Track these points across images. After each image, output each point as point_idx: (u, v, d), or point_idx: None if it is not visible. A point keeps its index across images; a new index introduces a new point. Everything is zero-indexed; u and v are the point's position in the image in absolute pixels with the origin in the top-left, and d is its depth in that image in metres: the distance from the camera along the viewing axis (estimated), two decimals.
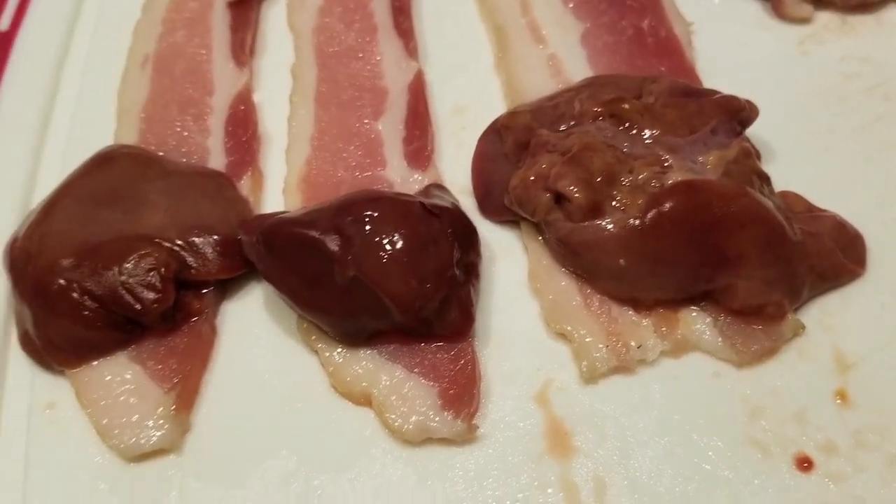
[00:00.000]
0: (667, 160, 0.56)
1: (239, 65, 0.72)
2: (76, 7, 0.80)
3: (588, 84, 0.63)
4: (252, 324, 0.58)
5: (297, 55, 0.72)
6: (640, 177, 0.55)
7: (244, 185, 0.64)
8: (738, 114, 0.59)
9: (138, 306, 0.54)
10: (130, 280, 0.54)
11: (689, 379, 0.54)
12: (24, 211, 0.65)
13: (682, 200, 0.53)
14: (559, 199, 0.56)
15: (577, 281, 0.57)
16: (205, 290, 0.58)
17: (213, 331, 0.57)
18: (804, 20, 0.72)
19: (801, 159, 0.63)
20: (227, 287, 0.60)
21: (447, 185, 0.64)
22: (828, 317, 0.56)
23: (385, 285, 0.52)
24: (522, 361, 0.56)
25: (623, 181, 0.56)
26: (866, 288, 0.57)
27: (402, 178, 0.64)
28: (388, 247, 0.52)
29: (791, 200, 0.60)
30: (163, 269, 0.55)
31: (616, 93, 0.61)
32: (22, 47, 0.77)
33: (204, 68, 0.71)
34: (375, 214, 0.53)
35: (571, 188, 0.55)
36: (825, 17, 0.73)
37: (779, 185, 0.60)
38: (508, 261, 0.61)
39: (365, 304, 0.52)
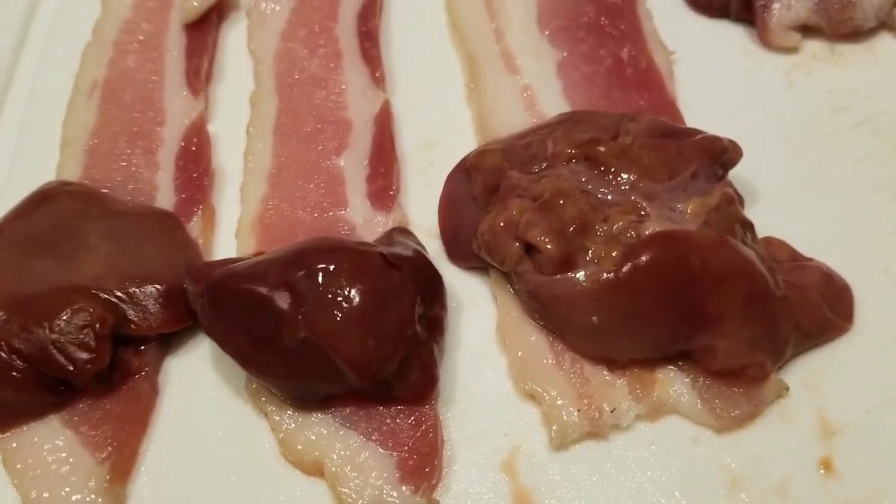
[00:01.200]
0: (644, 208, 0.53)
1: (193, 92, 0.68)
2: (22, 30, 0.76)
3: (562, 121, 0.60)
4: (197, 382, 0.54)
5: (257, 82, 0.68)
6: (616, 226, 0.52)
7: (194, 226, 0.60)
8: (721, 156, 0.56)
9: (70, 367, 0.50)
10: (62, 338, 0.50)
11: (665, 445, 0.51)
12: None
13: (660, 253, 0.50)
14: (529, 249, 0.53)
15: (549, 336, 0.54)
16: (145, 347, 0.54)
17: (154, 390, 0.53)
18: (792, 49, 0.69)
19: (787, 201, 0.60)
20: (170, 340, 0.56)
21: (414, 226, 0.61)
22: (812, 377, 0.53)
23: (339, 347, 0.48)
24: (489, 424, 0.52)
25: (597, 231, 0.52)
26: (854, 344, 0.54)
27: (365, 220, 0.60)
28: (342, 304, 0.48)
29: (775, 248, 0.56)
30: (98, 326, 0.51)
31: (592, 132, 0.57)
32: None
33: (156, 96, 0.67)
34: (330, 268, 0.49)
35: (542, 238, 0.52)
36: (814, 46, 0.70)
37: (763, 229, 0.57)
38: (476, 311, 0.57)
39: (317, 366, 0.49)
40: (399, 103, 0.68)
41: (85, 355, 0.50)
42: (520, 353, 0.53)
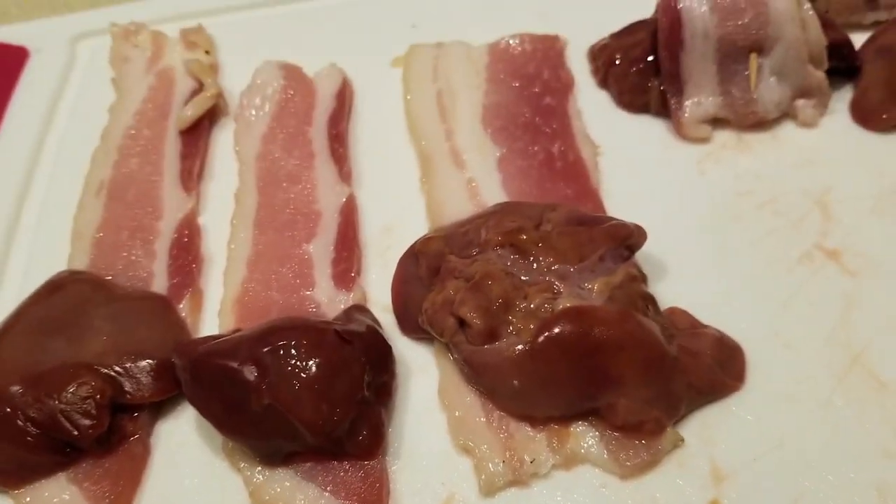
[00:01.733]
0: (557, 287, 0.62)
1: (187, 190, 0.78)
2: (42, 133, 0.87)
3: (496, 211, 0.70)
4: (183, 443, 0.63)
5: (241, 180, 0.79)
6: (533, 303, 0.61)
7: (184, 307, 0.70)
8: (626, 240, 0.65)
9: (75, 432, 0.59)
10: (69, 408, 0.60)
11: (578, 490, 0.59)
12: None
13: (568, 325, 0.59)
14: (462, 323, 0.62)
15: (481, 398, 0.62)
16: (138, 413, 0.63)
17: (146, 450, 0.62)
18: (703, 139, 0.79)
19: (692, 276, 0.69)
20: (160, 406, 0.65)
21: (372, 302, 0.70)
22: (706, 429, 0.61)
23: (297, 411, 0.57)
24: (430, 475, 0.61)
25: (518, 307, 0.61)
26: (745, 400, 0.62)
27: (329, 299, 0.69)
28: (300, 375, 0.58)
29: (677, 317, 0.65)
30: (98, 396, 0.60)
31: (518, 221, 0.67)
32: None
33: (154, 194, 0.78)
34: (291, 343, 0.59)
35: (472, 314, 0.61)
36: (723, 136, 0.79)
37: (671, 301, 0.66)
38: (423, 375, 0.66)
39: (280, 427, 0.58)
40: (363, 194, 0.78)
41: (88, 422, 0.59)
42: (457, 413, 0.62)
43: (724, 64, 0.77)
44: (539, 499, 0.59)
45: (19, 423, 0.60)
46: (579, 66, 0.87)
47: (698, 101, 0.78)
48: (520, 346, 0.59)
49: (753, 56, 0.76)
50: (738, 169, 0.77)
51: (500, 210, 0.70)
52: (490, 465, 0.59)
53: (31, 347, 0.64)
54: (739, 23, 0.75)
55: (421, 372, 0.66)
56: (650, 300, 0.63)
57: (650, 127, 0.81)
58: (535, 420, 0.61)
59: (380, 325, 0.66)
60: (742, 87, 0.77)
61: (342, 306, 0.69)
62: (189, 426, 0.64)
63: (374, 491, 0.59)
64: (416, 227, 0.75)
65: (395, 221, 0.76)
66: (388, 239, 0.75)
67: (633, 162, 0.78)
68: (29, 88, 0.92)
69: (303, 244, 0.73)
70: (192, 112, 0.82)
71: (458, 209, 0.74)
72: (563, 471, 0.60)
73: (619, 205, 0.73)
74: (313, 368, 0.58)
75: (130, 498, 0.60)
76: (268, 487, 0.59)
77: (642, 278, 0.64)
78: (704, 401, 0.62)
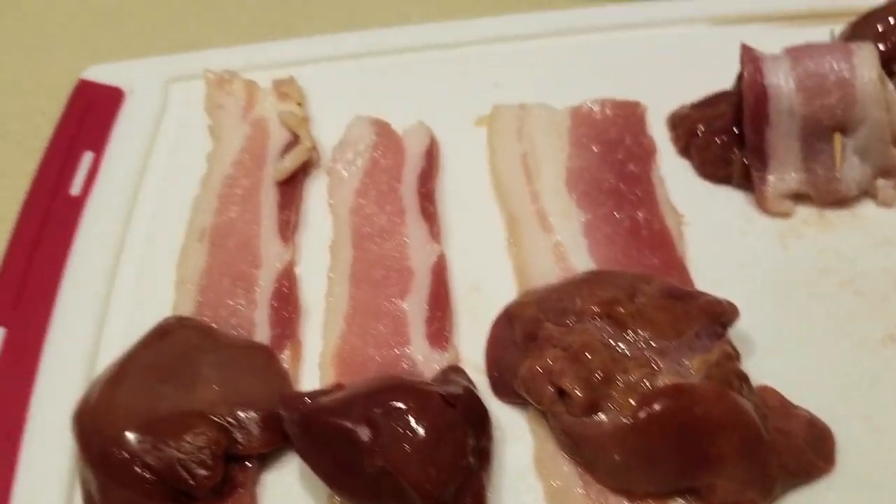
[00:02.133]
0: (656, 363, 0.64)
1: (284, 241, 0.81)
2: (140, 175, 0.90)
3: (588, 279, 0.72)
4: (288, 494, 0.66)
5: (336, 233, 0.81)
6: (633, 377, 0.63)
7: (285, 358, 0.73)
8: (720, 317, 0.67)
9: (192, 482, 0.62)
10: (186, 457, 0.62)
11: None
12: (89, 376, 0.73)
13: (670, 403, 0.61)
14: (562, 393, 0.64)
15: (578, 468, 0.64)
16: (248, 463, 0.66)
17: (253, 501, 0.65)
18: (785, 214, 0.81)
19: (779, 353, 0.71)
20: (266, 457, 0.67)
21: (464, 362, 0.72)
22: None
23: (408, 475, 0.59)
24: None
25: (618, 381, 0.64)
26: (834, 483, 0.63)
27: (424, 357, 0.72)
28: (411, 438, 0.60)
29: (767, 396, 0.67)
30: (214, 447, 0.63)
31: (612, 292, 0.69)
32: (91, 212, 0.87)
33: (253, 243, 0.80)
34: (402, 407, 0.61)
35: (572, 386, 0.63)
36: (805, 212, 0.81)
37: (757, 378, 0.68)
38: (517, 441, 0.67)
39: (390, 489, 0.60)
40: (451, 252, 0.80)
41: (204, 472, 0.62)
42: (554, 483, 0.64)
43: (808, 141, 0.79)
44: None
45: (136, 469, 0.62)
46: (659, 133, 0.89)
47: (782, 177, 0.81)
48: (621, 421, 0.62)
49: (838, 135, 0.79)
50: (820, 245, 0.79)
51: (593, 279, 0.72)
52: None
53: (146, 393, 0.67)
54: (825, 102, 0.78)
55: (514, 436, 0.68)
56: (744, 379, 0.65)
57: (731, 198, 0.83)
58: (633, 494, 0.62)
59: (476, 388, 0.68)
60: (825, 165, 0.80)
61: (436, 366, 0.71)
62: (292, 477, 0.67)
63: None
64: (503, 288, 0.77)
65: (482, 281, 0.79)
66: (477, 298, 0.78)
67: (715, 233, 0.80)
68: (126, 129, 0.95)
69: (397, 300, 0.76)
70: (289, 164, 0.85)
71: (546, 272, 0.76)
72: None
73: (704, 276, 0.75)
74: (422, 432, 0.60)
75: None
76: None
77: (737, 356, 0.66)
78: (796, 483, 0.63)
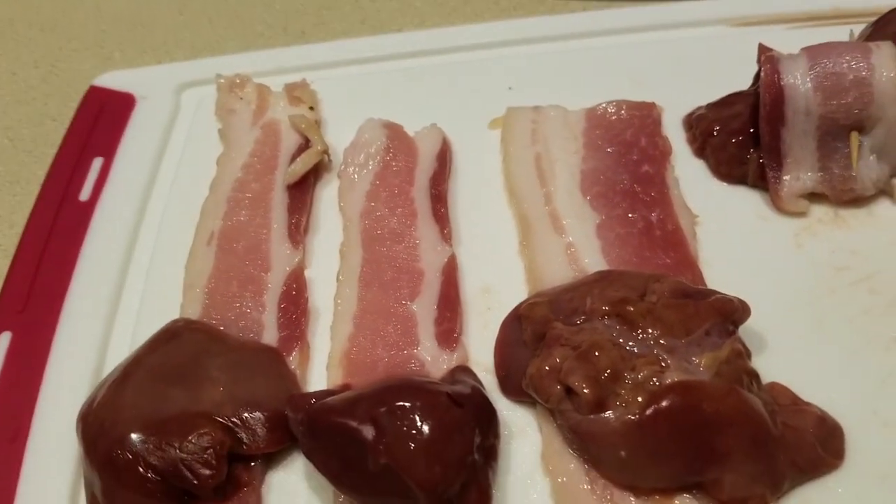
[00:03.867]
0: (665, 360, 0.63)
1: (294, 244, 0.81)
2: (150, 181, 0.91)
3: (599, 279, 0.71)
4: (293, 493, 0.65)
5: (346, 236, 0.81)
6: (641, 375, 0.62)
7: (293, 359, 0.73)
8: (731, 315, 0.66)
9: (195, 481, 0.61)
10: (189, 457, 0.62)
11: None
12: (95, 379, 0.73)
13: (677, 400, 0.60)
14: (570, 391, 0.63)
15: (585, 465, 0.64)
16: (253, 463, 0.65)
17: (258, 500, 0.65)
18: (800, 214, 0.80)
19: (791, 351, 0.70)
20: (272, 457, 0.67)
21: (472, 362, 0.72)
22: None
23: (412, 472, 0.59)
24: None
25: (626, 379, 0.63)
26: (844, 478, 0.62)
27: (433, 358, 0.71)
28: (416, 436, 0.60)
29: (778, 392, 0.66)
30: (218, 447, 0.62)
31: (623, 291, 0.68)
32: (100, 217, 0.87)
33: (263, 247, 0.80)
34: (406, 405, 0.61)
35: (580, 384, 0.62)
36: (819, 211, 0.80)
37: (769, 375, 0.67)
38: (524, 439, 0.67)
39: (394, 487, 0.60)
40: (463, 254, 0.80)
41: (207, 472, 0.62)
42: (560, 479, 0.63)
43: (825, 141, 0.78)
44: None
45: (140, 469, 0.62)
46: (674, 134, 0.88)
47: (797, 176, 0.80)
48: (628, 418, 0.61)
49: (855, 135, 0.78)
50: (834, 244, 0.78)
51: (604, 278, 0.71)
52: None
53: (151, 394, 0.67)
54: (842, 102, 0.77)
55: (521, 434, 0.68)
56: (754, 376, 0.64)
57: (746, 198, 0.82)
58: (639, 490, 0.62)
59: (483, 387, 0.68)
60: (842, 165, 0.79)
61: (445, 366, 0.71)
62: (297, 476, 0.67)
63: None
64: (514, 289, 0.77)
65: (493, 282, 0.78)
66: (488, 300, 0.77)
67: (729, 232, 0.79)
68: (136, 135, 0.96)
69: (406, 302, 0.75)
70: (300, 167, 0.85)
71: (558, 274, 0.76)
72: None
73: (717, 275, 0.74)
74: (427, 431, 0.60)
75: None
76: None
77: (747, 354, 0.65)
78: (805, 478, 0.62)
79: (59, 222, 0.85)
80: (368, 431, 0.60)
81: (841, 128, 0.78)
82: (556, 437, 0.66)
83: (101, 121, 0.95)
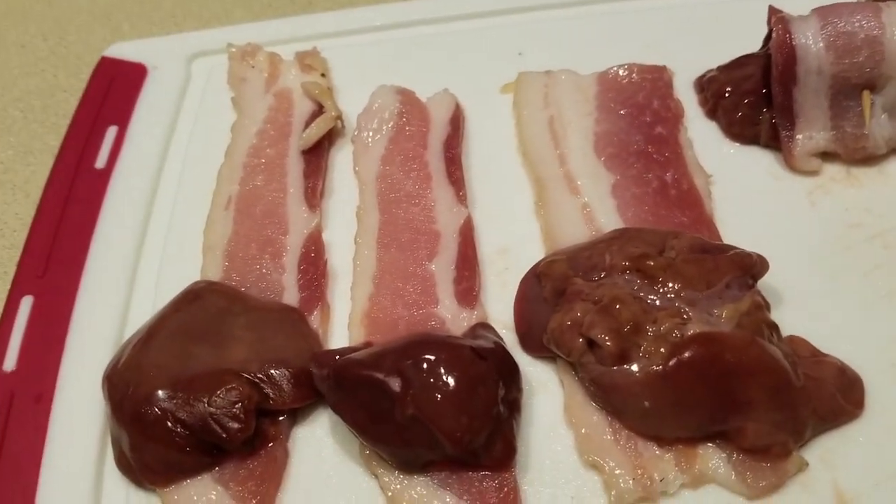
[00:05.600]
0: (686, 313, 0.64)
1: (311, 207, 0.81)
2: (164, 148, 0.91)
3: (617, 237, 0.72)
4: (320, 447, 0.66)
5: (362, 199, 0.82)
6: (663, 327, 0.63)
7: (314, 319, 0.73)
8: (750, 269, 0.67)
9: (224, 435, 0.62)
10: (218, 411, 0.63)
11: None
12: (118, 340, 0.74)
13: (700, 350, 0.61)
14: (592, 344, 0.64)
15: (608, 416, 0.65)
16: (280, 418, 0.66)
17: (286, 454, 0.66)
18: (813, 172, 0.80)
19: (809, 305, 0.71)
20: (298, 412, 0.68)
21: (492, 320, 0.73)
22: (829, 454, 0.62)
23: (439, 422, 0.60)
24: (558, 489, 0.63)
25: (648, 331, 0.63)
26: (864, 427, 0.64)
27: (453, 316, 0.72)
28: (442, 388, 0.60)
29: (797, 345, 0.67)
30: (246, 401, 0.63)
31: (642, 248, 0.69)
32: (116, 184, 0.88)
33: (280, 210, 0.81)
34: (432, 358, 0.62)
35: (602, 336, 0.63)
36: (832, 169, 0.81)
37: (787, 329, 0.68)
38: (546, 393, 0.68)
39: (421, 437, 0.60)
40: (478, 217, 0.81)
41: (236, 425, 0.63)
42: (583, 430, 0.64)
43: (837, 100, 0.79)
44: None
45: (168, 424, 0.63)
46: (685, 97, 0.89)
47: (810, 135, 0.80)
48: (652, 369, 0.61)
49: (867, 93, 0.78)
50: (847, 202, 0.78)
51: (622, 235, 0.72)
52: (620, 481, 0.61)
53: (177, 352, 0.67)
54: (854, 61, 0.77)
55: (542, 389, 0.69)
56: (774, 328, 0.65)
57: (759, 158, 0.83)
58: (662, 440, 0.63)
59: (504, 343, 0.68)
60: (854, 123, 0.79)
61: (465, 324, 0.72)
62: (323, 431, 0.67)
63: (509, 501, 0.61)
64: (531, 250, 0.77)
65: (510, 243, 0.79)
66: (505, 260, 0.78)
67: (743, 191, 0.80)
68: (149, 104, 0.96)
69: (425, 262, 0.76)
70: (314, 132, 0.85)
71: (575, 234, 0.76)
72: (690, 490, 0.62)
73: (733, 233, 0.75)
74: (453, 383, 0.61)
75: (273, 498, 0.63)
76: (405, 493, 0.62)
77: (766, 306, 0.66)
78: (826, 427, 0.63)
79: (77, 189, 0.85)
80: (395, 383, 0.61)
81: (853, 87, 0.78)
82: (578, 390, 0.66)
83: (113, 90, 0.95)
